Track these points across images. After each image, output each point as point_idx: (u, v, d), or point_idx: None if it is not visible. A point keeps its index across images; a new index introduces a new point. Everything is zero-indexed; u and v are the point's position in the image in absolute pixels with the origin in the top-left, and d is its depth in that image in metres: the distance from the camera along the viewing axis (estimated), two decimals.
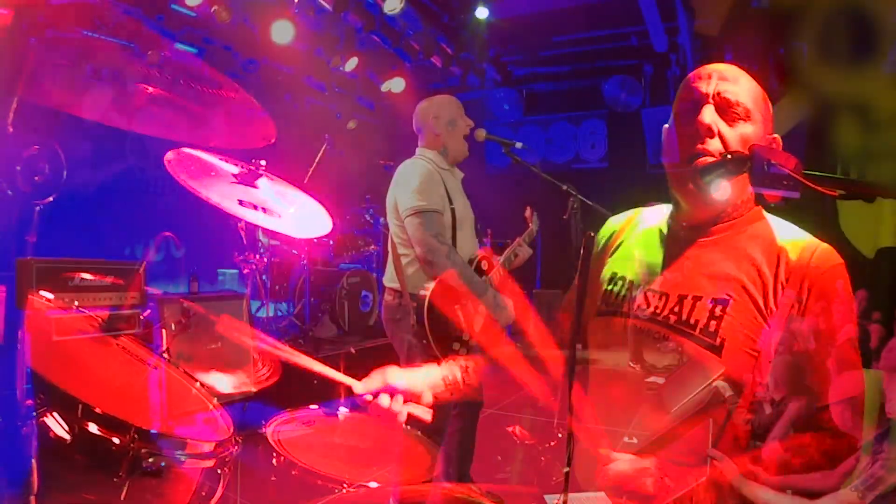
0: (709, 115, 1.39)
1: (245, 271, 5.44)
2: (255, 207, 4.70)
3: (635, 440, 1.52)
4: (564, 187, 2.67)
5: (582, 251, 1.24)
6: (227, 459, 1.81)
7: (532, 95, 8.76)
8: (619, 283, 1.54)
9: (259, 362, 4.14)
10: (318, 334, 5.57)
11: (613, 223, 1.70)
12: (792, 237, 1.42)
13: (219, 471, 1.80)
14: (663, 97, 7.74)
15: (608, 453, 1.40)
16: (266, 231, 5.75)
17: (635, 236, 1.62)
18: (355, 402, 1.55)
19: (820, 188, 1.15)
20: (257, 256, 5.39)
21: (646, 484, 1.35)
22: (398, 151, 3.15)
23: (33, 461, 1.56)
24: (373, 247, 6.24)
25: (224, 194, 4.55)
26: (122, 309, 3.55)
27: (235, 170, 4.09)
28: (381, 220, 6.33)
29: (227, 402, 3.62)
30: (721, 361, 1.37)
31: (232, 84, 2.41)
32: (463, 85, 7.72)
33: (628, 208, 1.80)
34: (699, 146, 1.39)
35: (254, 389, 3.60)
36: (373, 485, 1.60)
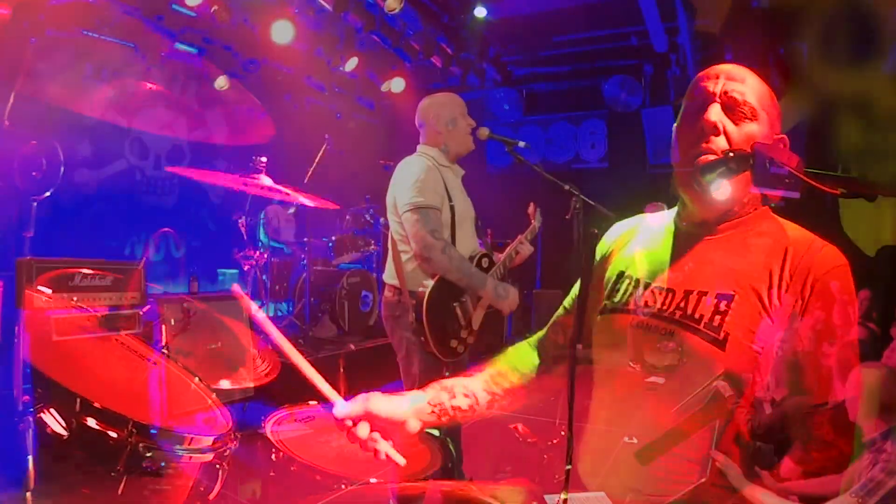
0: (715, 113, 1.39)
1: (245, 268, 5.44)
2: (262, 187, 4.70)
3: (635, 440, 1.52)
4: (567, 187, 2.67)
5: (585, 249, 1.24)
6: (225, 454, 1.81)
7: (532, 95, 8.76)
8: (626, 280, 1.54)
9: (258, 359, 4.14)
10: (318, 334, 5.56)
11: (620, 228, 1.70)
12: (798, 236, 1.43)
13: (217, 466, 1.79)
14: (663, 97, 7.74)
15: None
16: (269, 232, 5.75)
17: (642, 238, 1.62)
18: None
19: (821, 187, 1.15)
20: (257, 252, 5.38)
21: None
22: (398, 151, 3.15)
23: (30, 457, 1.56)
24: (373, 247, 6.24)
25: (233, 181, 4.54)
26: (122, 308, 3.55)
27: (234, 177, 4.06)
28: (381, 219, 6.32)
29: (227, 401, 3.62)
30: (724, 356, 1.37)
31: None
32: (463, 85, 7.72)
33: (628, 208, 1.80)
34: (704, 144, 1.39)
35: (252, 385, 3.59)
36: (372, 481, 1.59)
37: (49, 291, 2.73)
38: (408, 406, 1.48)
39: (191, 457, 1.67)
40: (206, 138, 7.06)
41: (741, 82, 1.42)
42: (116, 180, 6.17)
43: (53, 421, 1.48)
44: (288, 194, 4.83)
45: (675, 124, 1.56)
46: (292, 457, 1.50)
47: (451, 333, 2.70)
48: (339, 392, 1.44)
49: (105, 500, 1.91)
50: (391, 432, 1.44)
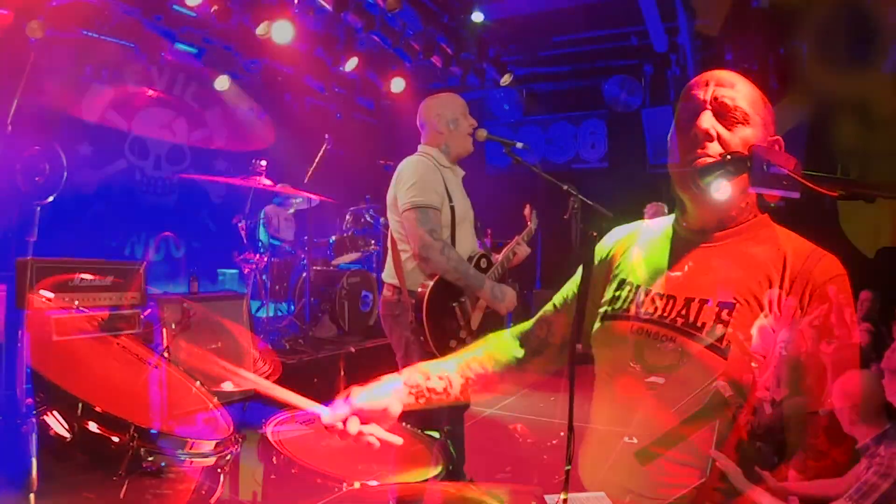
0: (707, 120, 1.41)
1: (245, 271, 5.44)
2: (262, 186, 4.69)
3: (635, 440, 1.53)
4: (565, 187, 2.67)
5: (584, 252, 1.25)
6: (227, 458, 1.81)
7: (532, 95, 8.76)
8: (627, 287, 1.55)
9: (259, 361, 4.14)
10: (318, 334, 5.57)
11: (619, 233, 1.71)
12: (797, 246, 1.44)
13: (219, 470, 1.80)
14: (663, 97, 7.74)
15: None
16: (269, 231, 5.76)
17: (641, 244, 1.63)
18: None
19: (820, 188, 1.16)
20: (257, 255, 5.39)
21: None
22: (398, 151, 3.15)
23: (33, 459, 1.56)
24: (373, 246, 6.24)
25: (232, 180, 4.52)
26: (122, 309, 3.55)
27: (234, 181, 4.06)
28: (381, 219, 6.32)
29: (227, 402, 3.62)
30: (726, 364, 1.38)
31: None
32: (463, 85, 7.72)
33: (628, 208, 1.81)
34: (699, 150, 1.40)
35: (253, 389, 3.58)
36: (372, 483, 1.59)
37: (51, 296, 2.73)
38: (387, 392, 1.54)
39: (192, 461, 1.68)
40: (207, 139, 7.06)
41: (731, 87, 1.43)
42: (116, 180, 6.18)
43: (56, 423, 1.48)
44: (286, 187, 4.84)
45: (670, 130, 1.57)
46: (293, 459, 1.50)
47: (450, 333, 2.70)
48: (339, 392, 1.46)
49: (104, 499, 1.91)
50: (378, 420, 1.50)
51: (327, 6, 5.63)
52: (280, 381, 4.32)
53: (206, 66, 6.27)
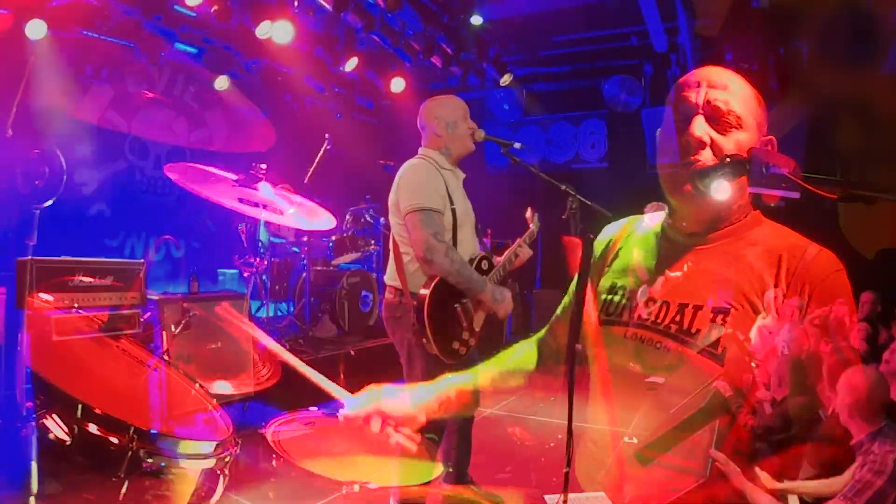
0: (699, 127, 1.38)
1: (245, 274, 5.44)
2: (257, 205, 4.72)
3: (635, 440, 1.52)
4: (563, 187, 2.66)
5: (582, 251, 1.24)
6: (226, 460, 1.81)
7: (532, 95, 8.76)
8: (620, 292, 1.54)
9: (259, 363, 4.14)
10: (318, 334, 5.57)
11: (610, 232, 1.70)
12: (792, 242, 1.42)
13: (219, 471, 1.80)
14: (663, 97, 7.72)
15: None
16: (270, 230, 5.76)
17: (633, 244, 1.62)
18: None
19: (819, 191, 1.15)
20: (257, 259, 5.39)
21: None
22: (398, 151, 3.15)
23: (33, 462, 1.56)
24: (373, 247, 6.24)
25: (227, 195, 4.56)
26: (122, 309, 3.55)
27: (234, 177, 4.10)
28: (382, 220, 6.32)
29: (227, 402, 3.63)
30: (722, 370, 1.37)
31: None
32: (463, 85, 7.72)
33: (628, 208, 1.80)
34: (691, 157, 1.38)
35: (252, 390, 3.59)
36: (372, 485, 1.60)
37: (51, 298, 2.73)
38: (417, 399, 1.54)
39: (192, 462, 1.68)
40: (207, 139, 7.06)
41: (723, 89, 1.40)
42: (116, 180, 6.18)
43: (55, 426, 1.48)
44: (282, 213, 4.81)
45: (658, 130, 1.55)
46: (293, 462, 1.50)
47: (452, 335, 2.70)
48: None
49: (104, 500, 1.91)
50: (400, 424, 1.50)
51: (327, 6, 5.63)
52: (280, 383, 4.31)
53: (206, 66, 6.27)
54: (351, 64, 6.53)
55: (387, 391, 1.48)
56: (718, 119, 1.39)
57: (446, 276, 2.65)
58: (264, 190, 4.74)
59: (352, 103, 8.32)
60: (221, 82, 6.17)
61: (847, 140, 5.72)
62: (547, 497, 1.40)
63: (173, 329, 3.66)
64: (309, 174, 5.50)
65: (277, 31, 5.48)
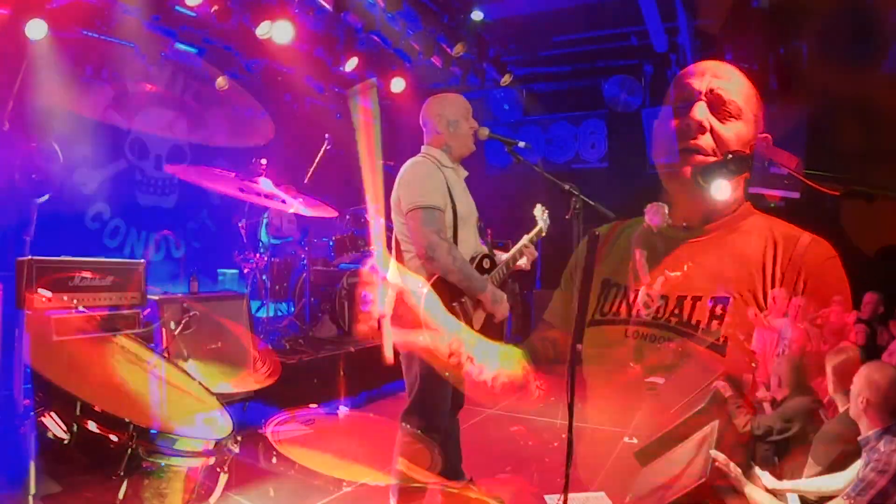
0: (701, 111, 1.39)
1: (245, 270, 5.43)
2: (259, 194, 4.73)
3: (635, 440, 1.52)
4: (567, 187, 2.66)
5: (587, 249, 1.24)
6: (226, 458, 1.81)
7: (532, 95, 8.76)
8: (614, 289, 1.54)
9: (259, 361, 4.14)
10: (318, 334, 5.56)
11: (597, 231, 1.71)
12: (785, 231, 1.43)
13: (218, 469, 1.80)
14: (663, 97, 7.73)
15: None
16: (270, 231, 5.76)
17: (623, 242, 1.63)
18: (354, 403, 1.54)
19: (820, 188, 1.16)
20: (257, 255, 5.39)
21: None
22: (398, 151, 3.15)
23: (31, 460, 1.56)
24: (373, 246, 6.23)
25: (230, 188, 4.56)
26: (122, 308, 3.55)
27: (233, 174, 4.09)
28: (381, 220, 6.31)
29: (228, 401, 3.62)
30: (725, 360, 1.38)
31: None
32: (463, 85, 7.71)
33: (628, 208, 1.80)
34: (692, 141, 1.39)
35: (252, 388, 3.58)
36: (371, 483, 1.59)
37: (50, 294, 2.73)
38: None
39: (192, 460, 1.67)
40: (207, 139, 7.06)
41: (727, 80, 1.41)
42: (116, 180, 6.17)
43: (54, 425, 1.48)
44: (284, 201, 4.84)
45: (656, 120, 1.55)
46: (293, 460, 1.50)
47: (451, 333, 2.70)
48: (339, 392, 1.46)
49: (104, 499, 1.91)
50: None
51: (327, 6, 5.62)
52: (280, 382, 4.32)
53: (206, 66, 6.27)
54: (351, 64, 6.52)
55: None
56: (719, 107, 1.40)
57: (447, 275, 2.64)
58: (264, 185, 4.77)
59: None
60: (221, 81, 6.15)
61: (847, 139, 5.72)
62: (547, 497, 1.40)
63: (173, 328, 3.66)
64: (309, 174, 5.50)
65: (277, 31, 5.48)
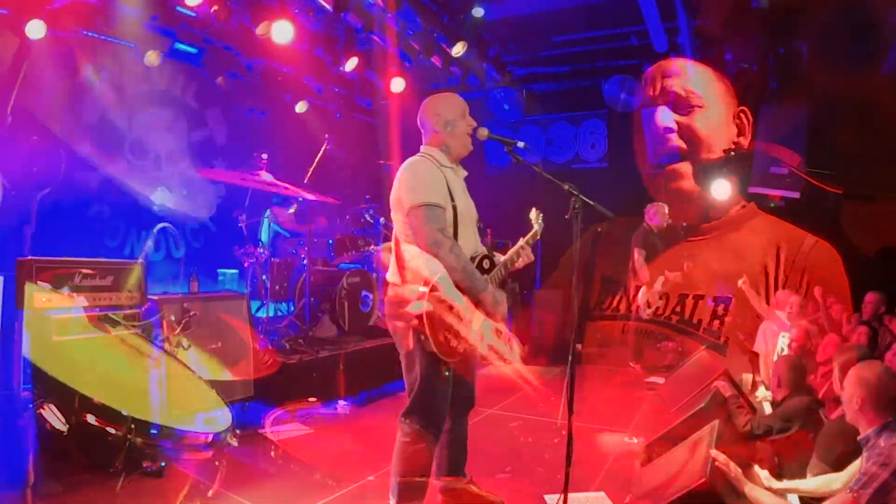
0: (663, 116, 1.39)
1: (245, 265, 5.42)
2: (261, 182, 4.73)
3: (635, 440, 1.52)
4: (566, 187, 2.66)
5: (591, 248, 1.24)
6: (224, 452, 1.81)
7: (532, 95, 8.76)
8: (614, 286, 1.55)
9: (259, 354, 4.14)
10: (318, 334, 5.56)
11: (599, 229, 1.71)
12: (789, 234, 1.43)
13: (216, 463, 1.80)
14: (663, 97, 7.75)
15: None
16: (279, 220, 5.76)
17: (624, 240, 1.63)
18: (354, 403, 1.54)
19: (822, 185, 1.16)
20: (257, 249, 5.38)
21: None
22: (398, 151, 3.15)
23: (30, 453, 1.56)
24: (373, 247, 6.23)
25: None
26: (122, 309, 3.55)
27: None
28: (381, 219, 6.32)
29: (228, 401, 3.62)
30: (725, 360, 1.38)
31: None
32: (463, 85, 7.71)
33: (628, 208, 1.80)
34: (662, 147, 1.39)
35: (251, 378, 3.55)
36: (371, 479, 1.59)
37: (49, 287, 2.72)
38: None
39: (190, 454, 1.67)
40: (207, 139, 7.07)
41: (677, 76, 1.41)
42: (116, 180, 6.17)
43: (53, 417, 1.48)
44: (287, 188, 4.85)
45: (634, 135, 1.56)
46: (292, 458, 1.50)
47: (452, 332, 2.70)
48: (339, 392, 1.46)
49: (104, 498, 1.91)
50: None
51: (327, 6, 5.63)
52: (280, 382, 4.31)
53: (206, 66, 6.27)
54: (351, 64, 6.53)
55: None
56: (678, 103, 1.41)
57: (450, 272, 2.65)
58: (266, 178, 4.80)
59: (352, 103, 8.33)
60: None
61: (847, 139, 5.72)
62: (547, 497, 1.40)
63: (173, 318, 3.66)
64: (309, 174, 5.50)
65: (277, 31, 5.48)
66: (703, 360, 4.01)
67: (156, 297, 3.89)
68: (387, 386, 5.26)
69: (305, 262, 5.43)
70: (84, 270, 3.44)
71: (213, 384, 2.88)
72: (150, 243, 4.39)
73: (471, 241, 2.91)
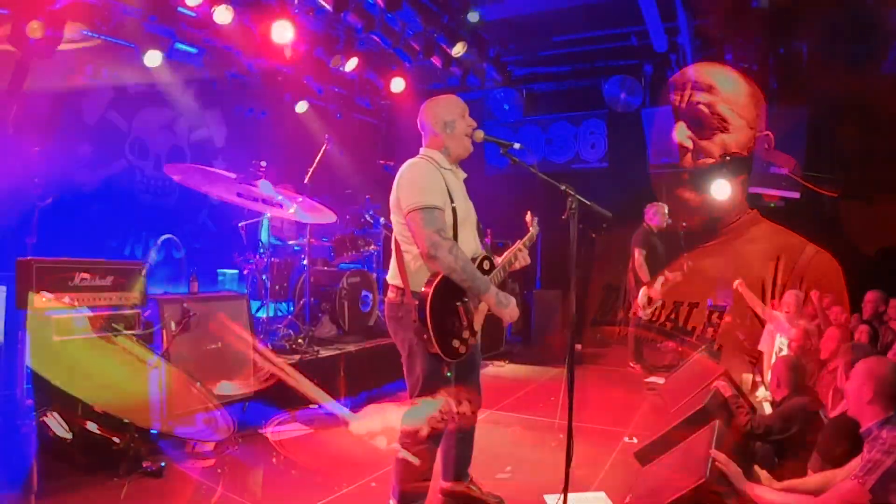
0: (680, 132, 1.39)
1: (245, 271, 5.42)
2: (257, 200, 4.75)
3: (635, 440, 1.52)
4: (563, 187, 2.66)
5: (589, 251, 1.25)
6: (227, 459, 1.81)
7: (532, 95, 8.77)
8: (614, 292, 1.55)
9: (258, 363, 4.14)
10: (318, 334, 5.56)
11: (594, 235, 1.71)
12: (790, 242, 1.43)
13: (219, 470, 1.80)
14: (663, 97, 7.74)
15: None
16: (273, 231, 5.76)
17: (624, 241, 1.64)
18: (354, 403, 1.55)
19: (819, 189, 1.16)
20: (257, 256, 5.39)
21: None
22: (398, 151, 3.15)
23: (33, 461, 1.56)
24: (373, 247, 6.24)
25: (228, 192, 4.58)
26: (122, 309, 3.55)
27: (233, 175, 4.10)
28: (381, 220, 6.32)
29: (228, 402, 3.62)
30: (720, 366, 1.38)
31: None
32: (463, 85, 7.72)
33: (628, 208, 1.81)
34: (666, 155, 1.39)
35: (251, 390, 3.57)
36: (372, 485, 1.60)
37: (52, 297, 2.73)
38: (421, 415, 1.59)
39: (192, 461, 1.68)
40: (207, 139, 7.07)
41: (708, 91, 1.41)
42: (116, 180, 6.18)
43: (56, 424, 1.49)
44: (281, 206, 4.85)
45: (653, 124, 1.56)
46: (293, 460, 1.51)
47: (453, 334, 2.69)
48: (339, 392, 1.47)
49: (104, 498, 1.92)
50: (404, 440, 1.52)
51: (327, 6, 5.63)
52: (280, 383, 4.30)
53: (206, 66, 6.27)
54: (351, 64, 6.53)
55: (390, 411, 1.50)
56: (701, 122, 1.40)
57: (450, 273, 2.65)
58: (264, 187, 4.78)
59: (352, 103, 8.33)
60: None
61: (847, 140, 5.73)
62: (547, 497, 1.41)
63: (173, 326, 3.66)
64: (309, 174, 5.50)
65: (277, 31, 5.48)
66: (703, 361, 4.03)
67: (156, 298, 3.89)
68: (387, 386, 5.26)
69: (305, 262, 5.44)
70: (85, 271, 3.45)
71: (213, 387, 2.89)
72: (153, 254, 4.39)
73: (471, 243, 2.91)
